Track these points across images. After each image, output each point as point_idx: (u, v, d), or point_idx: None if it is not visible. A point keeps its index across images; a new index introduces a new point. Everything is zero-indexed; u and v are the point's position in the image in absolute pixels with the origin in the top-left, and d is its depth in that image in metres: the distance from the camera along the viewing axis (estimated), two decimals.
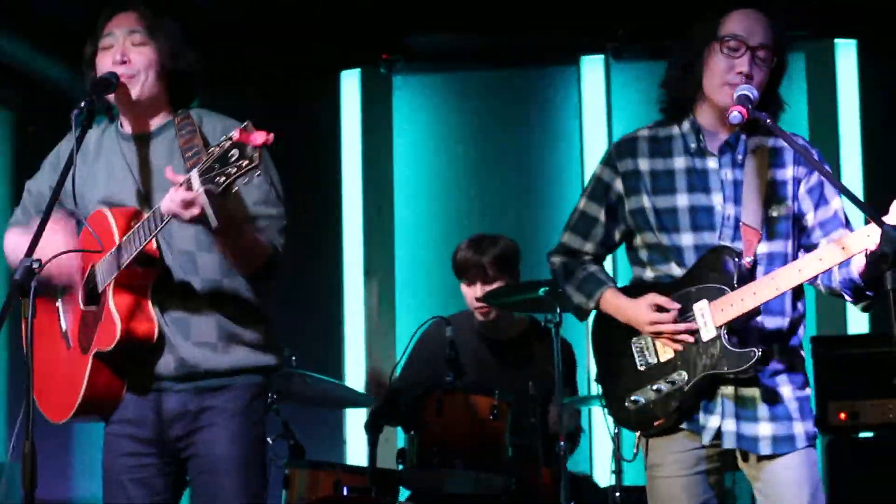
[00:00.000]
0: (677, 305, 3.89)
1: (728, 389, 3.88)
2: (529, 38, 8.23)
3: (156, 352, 4.03)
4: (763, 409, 3.88)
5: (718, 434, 3.88)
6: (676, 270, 3.96)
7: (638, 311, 3.95)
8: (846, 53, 7.98)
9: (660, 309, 3.91)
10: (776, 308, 3.91)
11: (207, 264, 4.04)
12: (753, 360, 3.76)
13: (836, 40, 7.96)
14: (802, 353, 4.00)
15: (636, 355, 4.01)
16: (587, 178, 7.90)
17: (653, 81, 8.08)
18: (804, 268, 3.72)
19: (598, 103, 8.14)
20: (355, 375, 7.99)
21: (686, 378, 3.87)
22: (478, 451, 5.54)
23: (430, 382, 5.80)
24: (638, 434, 4.04)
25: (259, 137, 3.51)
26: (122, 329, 3.92)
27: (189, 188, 3.65)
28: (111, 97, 4.11)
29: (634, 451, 4.06)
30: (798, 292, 3.97)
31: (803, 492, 3.87)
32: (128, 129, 4.19)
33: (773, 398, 3.89)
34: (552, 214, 8.21)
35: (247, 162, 3.51)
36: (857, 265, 3.75)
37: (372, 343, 8.08)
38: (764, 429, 3.88)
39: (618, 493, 5.91)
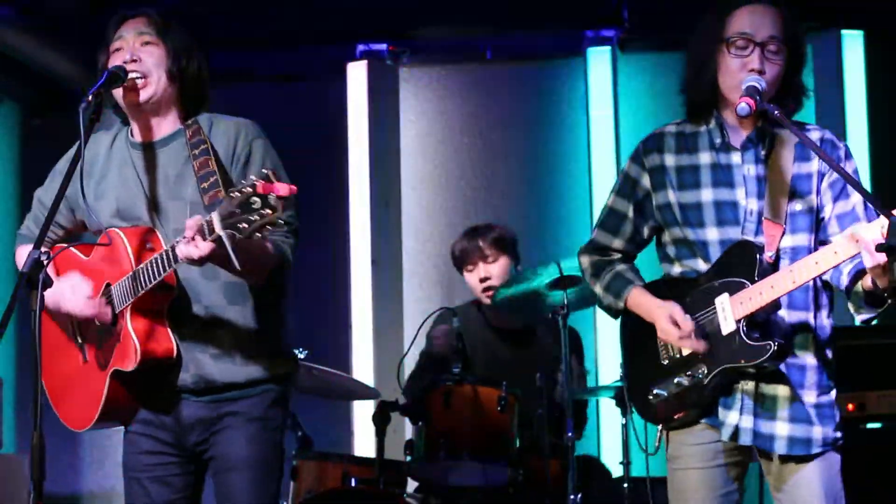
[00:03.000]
0: (690, 326, 3.86)
1: (748, 385, 3.86)
2: (536, 30, 8.22)
3: (174, 366, 4.05)
4: (782, 409, 3.86)
5: (737, 430, 3.87)
6: (702, 265, 3.95)
7: (657, 315, 3.95)
8: (853, 44, 7.96)
9: (675, 323, 3.89)
10: (800, 303, 3.89)
11: (224, 273, 4.00)
12: (769, 353, 3.74)
13: (843, 31, 7.93)
14: (830, 351, 3.95)
15: (660, 349, 4.01)
16: (594, 169, 8.05)
17: (659, 73, 8.21)
18: (821, 260, 3.66)
19: (605, 95, 8.12)
20: (363, 367, 7.99)
21: (706, 371, 3.86)
22: (485, 442, 5.55)
23: (438, 374, 5.81)
24: (660, 427, 4.04)
25: (282, 189, 3.52)
26: (141, 352, 3.94)
27: (204, 236, 3.66)
28: (120, 98, 4.10)
29: (657, 443, 4.05)
30: (823, 288, 3.94)
31: None
32: (138, 137, 4.18)
33: (793, 398, 3.86)
34: (559, 206, 8.21)
35: (269, 211, 3.52)
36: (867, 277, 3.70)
37: (379, 335, 8.08)
38: (781, 428, 3.86)
39: (626, 485, 5.91)
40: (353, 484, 5.95)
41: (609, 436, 7.44)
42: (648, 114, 8.14)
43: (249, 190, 3.54)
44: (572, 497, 5.52)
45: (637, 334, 4.07)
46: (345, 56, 8.34)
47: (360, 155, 8.28)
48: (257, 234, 3.57)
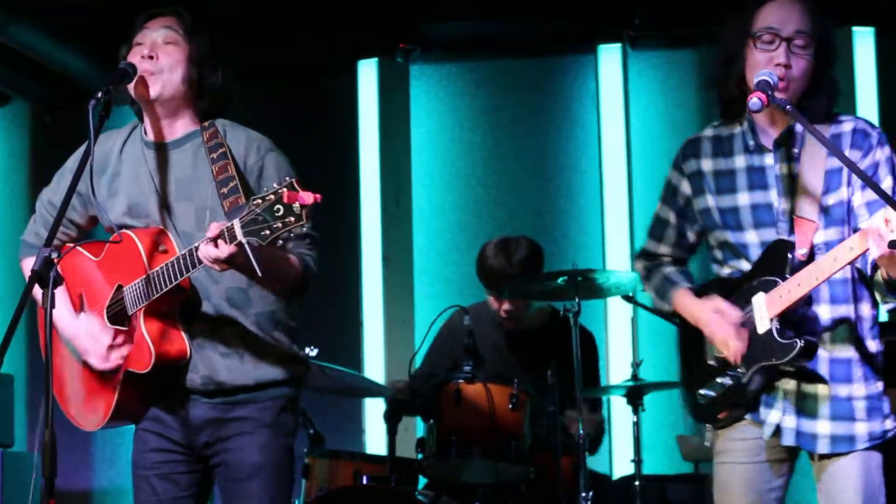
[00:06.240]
0: (737, 314, 3.87)
1: (790, 385, 3.86)
2: (546, 27, 8.21)
3: (186, 366, 4.05)
4: (824, 407, 3.84)
5: (779, 429, 3.86)
6: (746, 266, 3.95)
7: (701, 311, 3.96)
8: (864, 41, 7.94)
9: (720, 311, 3.90)
10: (841, 297, 3.87)
11: (233, 275, 3.98)
12: (795, 350, 3.72)
13: (854, 28, 7.91)
14: (876, 344, 3.92)
15: (707, 350, 4.02)
16: (605, 166, 8.04)
17: (670, 70, 8.20)
18: (839, 256, 3.64)
19: (616, 92, 8.11)
20: (374, 365, 7.99)
21: (745, 370, 3.87)
22: (496, 440, 5.54)
23: (449, 372, 5.81)
24: (708, 426, 4.06)
25: (307, 198, 3.52)
26: (156, 353, 3.94)
27: (227, 239, 3.64)
28: (132, 92, 4.08)
29: (707, 442, 4.07)
30: (861, 280, 3.89)
31: (859, 501, 3.83)
32: (151, 136, 4.16)
33: (836, 395, 3.84)
34: (569, 203, 8.21)
35: (293, 219, 3.52)
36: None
37: (390, 332, 8.08)
38: (823, 427, 3.84)
39: (637, 482, 5.90)
40: (364, 482, 5.95)
41: (620, 434, 7.44)
42: (659, 111, 8.14)
43: (273, 197, 3.54)
44: (584, 494, 5.52)
45: (690, 337, 4.07)
46: (355, 53, 8.35)
47: (370, 152, 8.29)
48: (279, 242, 3.57)
